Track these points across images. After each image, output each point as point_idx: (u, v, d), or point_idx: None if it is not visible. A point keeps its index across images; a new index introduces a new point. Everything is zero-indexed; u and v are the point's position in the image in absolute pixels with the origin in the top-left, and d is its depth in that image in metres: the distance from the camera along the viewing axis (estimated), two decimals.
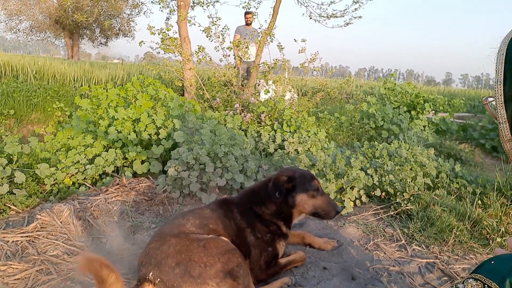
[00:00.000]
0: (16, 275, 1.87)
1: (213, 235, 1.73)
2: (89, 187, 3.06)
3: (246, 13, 7.57)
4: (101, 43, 27.99)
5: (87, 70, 8.44)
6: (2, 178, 2.61)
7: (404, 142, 4.46)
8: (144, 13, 22.58)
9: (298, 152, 3.64)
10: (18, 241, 2.14)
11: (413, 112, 6.37)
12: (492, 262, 0.90)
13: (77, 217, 2.37)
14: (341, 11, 8.73)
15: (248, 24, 7.63)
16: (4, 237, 2.16)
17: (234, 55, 6.65)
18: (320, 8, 8.52)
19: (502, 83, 0.86)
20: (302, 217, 2.10)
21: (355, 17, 8.63)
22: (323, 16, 8.94)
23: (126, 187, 2.87)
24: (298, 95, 8.62)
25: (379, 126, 5.25)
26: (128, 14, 24.12)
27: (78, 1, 17.31)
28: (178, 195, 2.84)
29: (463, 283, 0.89)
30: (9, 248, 2.08)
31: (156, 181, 3.02)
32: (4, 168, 2.69)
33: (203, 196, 2.81)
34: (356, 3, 8.06)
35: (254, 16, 7.33)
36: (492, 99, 0.91)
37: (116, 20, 25.13)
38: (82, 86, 6.93)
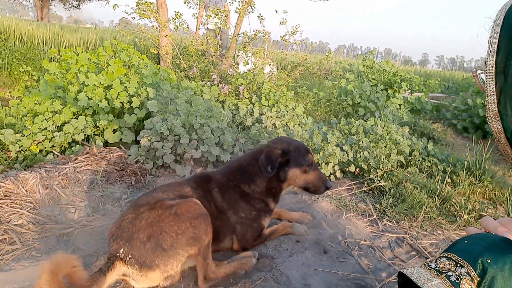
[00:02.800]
0: None
1: (187, 199, 1.68)
2: (57, 155, 2.93)
3: None
4: (73, 6, 26.67)
5: (57, 33, 8.00)
6: None
7: (380, 120, 4.50)
8: None
9: (275, 127, 3.61)
10: None
11: (389, 91, 6.41)
12: (466, 242, 0.90)
13: (43, 185, 2.27)
14: None
15: None
16: None
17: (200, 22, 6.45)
18: None
19: (495, 54, 0.83)
20: (290, 190, 2.06)
21: None
22: None
23: (96, 156, 2.77)
24: (277, 69, 8.52)
25: (356, 103, 5.26)
26: None
27: None
28: (151, 166, 2.77)
29: (435, 261, 0.89)
30: None
31: (128, 151, 2.93)
32: None
33: (177, 168, 2.75)
34: None
35: None
36: (481, 71, 0.89)
37: None
38: (51, 49, 6.58)
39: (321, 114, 5.15)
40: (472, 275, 0.82)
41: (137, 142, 3.06)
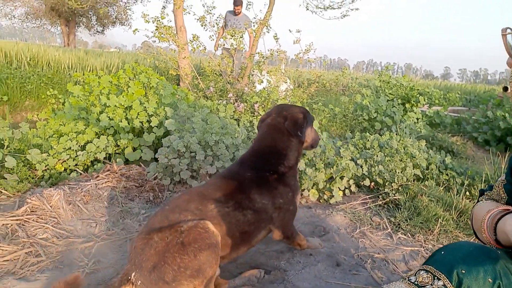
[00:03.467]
0: (5, 257, 1.90)
1: (197, 221, 1.59)
2: (80, 173, 3.07)
3: (236, 5, 7.52)
4: (97, 31, 27.72)
5: (82, 58, 8.39)
6: None
7: (396, 134, 4.50)
8: (141, 1, 22.39)
9: None
10: (8, 224, 2.16)
11: (407, 105, 6.39)
12: (442, 253, 0.93)
13: (67, 201, 2.39)
14: (338, 2, 8.71)
15: (236, 13, 7.60)
16: None
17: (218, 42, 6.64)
18: None
19: None
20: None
21: (352, 9, 8.63)
22: (320, 8, 8.91)
23: (116, 173, 2.89)
24: (294, 86, 8.62)
25: (372, 118, 5.27)
26: (125, 2, 23.89)
27: None
28: (169, 182, 2.86)
29: (415, 275, 0.92)
30: (0, 231, 2.10)
31: (147, 168, 3.04)
32: None
33: (193, 184, 2.83)
34: None
35: (249, 6, 7.29)
36: (511, 31, 0.88)
37: (113, 8, 24.85)
38: (75, 73, 6.90)
39: (337, 130, 5.17)
40: (448, 287, 0.85)
41: (156, 159, 3.16)
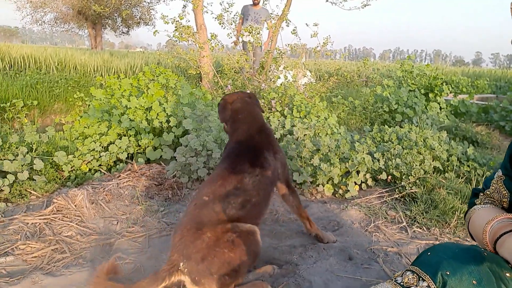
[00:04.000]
0: (34, 253, 2.04)
1: (249, 227, 1.74)
2: (104, 173, 3.22)
3: None
4: (123, 32, 28.36)
5: (107, 60, 8.65)
6: (22, 165, 2.79)
7: (417, 126, 4.42)
8: (164, 1, 22.74)
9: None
10: (36, 223, 2.31)
11: (430, 95, 6.24)
12: (428, 254, 0.95)
13: (90, 200, 2.52)
14: None
15: (255, 4, 7.55)
16: (24, 220, 2.34)
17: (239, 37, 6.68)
18: None
19: None
20: None
21: None
22: None
23: (137, 172, 3.01)
24: (315, 79, 8.57)
25: (393, 110, 5.19)
26: (148, 3, 24.32)
27: None
28: (187, 180, 2.96)
29: (401, 275, 0.94)
30: (28, 229, 2.25)
31: (167, 167, 3.15)
32: (24, 156, 2.87)
33: None
34: None
35: (265, 2, 7.29)
36: None
37: (137, 9, 25.37)
38: (101, 76, 7.14)
39: (357, 123, 5.13)
40: None
41: (175, 158, 3.27)
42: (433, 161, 3.37)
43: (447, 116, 5.43)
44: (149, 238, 2.28)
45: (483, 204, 1.23)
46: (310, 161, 3.00)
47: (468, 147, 3.76)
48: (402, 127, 4.16)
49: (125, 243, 2.22)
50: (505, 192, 1.17)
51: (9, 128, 3.88)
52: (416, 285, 0.89)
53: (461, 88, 9.25)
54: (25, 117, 4.69)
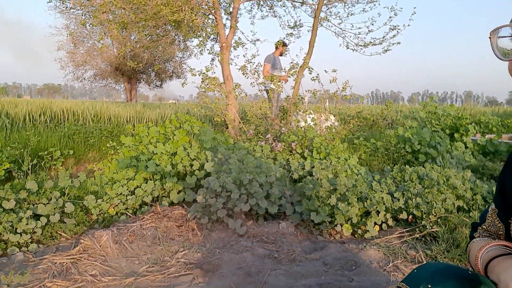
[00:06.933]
0: None
1: None
2: (129, 216, 3.36)
3: (285, 45, 7.85)
4: (156, 86, 30.01)
5: (139, 111, 9.17)
6: (55, 209, 2.99)
7: (439, 165, 4.37)
8: (195, 56, 24.08)
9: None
10: (63, 262, 2.44)
11: (456, 135, 6.17)
12: (415, 271, 1.00)
13: (114, 241, 2.65)
14: (379, 38, 8.79)
15: (281, 55, 7.90)
16: (53, 259, 2.48)
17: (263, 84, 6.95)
18: (358, 37, 8.64)
19: None
20: None
21: (393, 44, 8.67)
22: (360, 45, 9.05)
23: (160, 214, 3.13)
24: (339, 122, 8.67)
25: (415, 150, 5.16)
26: (180, 57, 25.81)
27: (133, 49, 18.92)
28: (207, 221, 3.04)
29: None
30: (56, 269, 2.38)
31: (189, 209, 3.26)
32: (57, 200, 3.07)
33: (229, 222, 2.98)
34: (393, 29, 8.09)
35: (285, 53, 7.64)
36: None
37: (170, 64, 27.00)
38: (133, 126, 7.55)
39: (379, 164, 5.12)
40: None
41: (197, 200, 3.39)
42: (456, 200, 3.31)
43: (473, 155, 5.32)
44: (168, 278, 2.35)
45: (481, 237, 1.25)
46: (327, 201, 3.03)
47: (495, 186, 3.66)
48: (424, 167, 4.13)
49: (144, 282, 2.29)
50: (500, 225, 1.19)
51: (46, 175, 4.16)
52: None
53: (491, 128, 9.04)
54: (61, 165, 5.02)
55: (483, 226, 1.24)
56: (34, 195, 3.10)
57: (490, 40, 0.95)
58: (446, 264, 1.00)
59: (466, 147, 5.43)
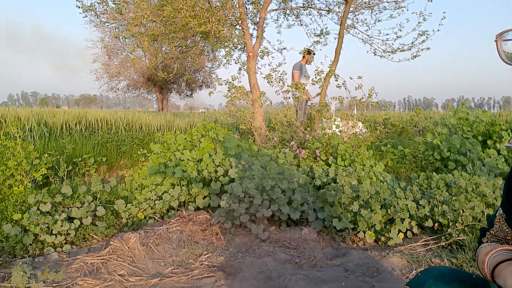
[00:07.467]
0: None
1: None
2: (157, 220, 3.49)
3: (310, 53, 7.89)
4: (187, 95, 30.74)
5: (169, 120, 9.46)
6: (87, 212, 3.15)
7: (469, 173, 4.26)
8: (223, 65, 24.52)
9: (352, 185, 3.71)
10: (94, 262, 2.57)
11: (489, 142, 5.96)
12: (419, 274, 1.01)
13: (141, 243, 2.76)
14: (407, 44, 8.66)
15: (308, 63, 7.93)
16: (84, 259, 2.62)
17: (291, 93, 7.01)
18: (386, 44, 8.55)
19: None
20: None
21: (422, 49, 8.51)
22: (388, 51, 8.94)
23: (185, 218, 3.23)
24: (367, 129, 8.58)
25: (445, 157, 5.04)
26: (210, 68, 26.34)
27: (164, 60, 19.47)
28: (230, 226, 3.11)
29: None
30: (87, 268, 2.52)
31: (213, 214, 3.35)
32: (89, 204, 3.24)
33: (252, 227, 3.04)
34: (422, 35, 7.96)
35: (312, 59, 7.68)
36: None
37: (199, 74, 27.60)
38: (156, 134, 7.79)
39: (407, 171, 5.03)
40: None
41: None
42: (486, 208, 3.22)
43: (507, 162, 5.13)
44: (191, 280, 2.42)
45: (490, 242, 1.25)
46: (349, 207, 3.03)
47: None
48: (453, 175, 4.03)
49: (169, 283, 2.38)
50: (508, 230, 1.18)
51: (80, 181, 4.38)
52: None
53: None
54: (94, 171, 5.26)
55: (491, 231, 1.24)
56: (69, 199, 3.28)
57: (496, 44, 0.96)
58: (450, 268, 1.02)
59: (499, 154, 5.25)
